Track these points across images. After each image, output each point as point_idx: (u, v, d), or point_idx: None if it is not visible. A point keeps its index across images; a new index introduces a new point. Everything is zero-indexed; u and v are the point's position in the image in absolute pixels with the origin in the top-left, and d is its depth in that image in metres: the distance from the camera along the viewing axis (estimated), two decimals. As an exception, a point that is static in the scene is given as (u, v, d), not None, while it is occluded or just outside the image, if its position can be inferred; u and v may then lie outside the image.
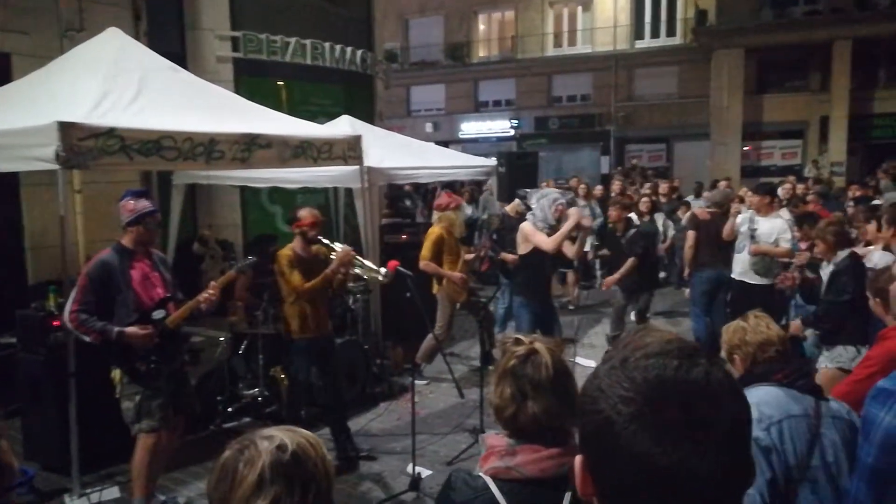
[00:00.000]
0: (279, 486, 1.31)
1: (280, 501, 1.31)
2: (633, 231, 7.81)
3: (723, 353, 2.53)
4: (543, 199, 5.84)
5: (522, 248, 5.84)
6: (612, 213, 8.19)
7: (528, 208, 7.92)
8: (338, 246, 5.08)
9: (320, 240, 5.07)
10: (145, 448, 4.05)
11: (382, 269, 5.30)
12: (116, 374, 4.08)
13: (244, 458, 1.34)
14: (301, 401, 5.49)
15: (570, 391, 1.76)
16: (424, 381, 6.77)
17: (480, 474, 1.71)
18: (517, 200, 8.10)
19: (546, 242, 5.60)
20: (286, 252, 4.97)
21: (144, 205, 4.15)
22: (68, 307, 4.03)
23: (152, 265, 4.22)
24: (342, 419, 5.24)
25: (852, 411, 2.26)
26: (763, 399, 2.21)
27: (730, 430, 0.81)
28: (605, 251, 8.54)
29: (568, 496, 1.64)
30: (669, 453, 0.78)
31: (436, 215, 7.02)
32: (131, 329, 3.98)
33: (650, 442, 0.79)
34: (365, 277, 5.63)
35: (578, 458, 0.90)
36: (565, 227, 5.56)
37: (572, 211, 5.65)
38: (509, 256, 7.99)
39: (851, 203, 6.98)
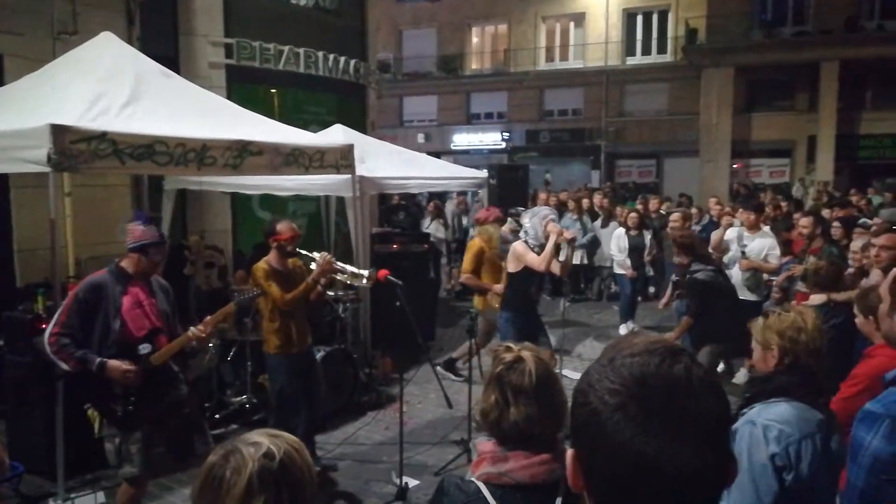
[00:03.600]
0: (267, 495, 1.31)
1: None
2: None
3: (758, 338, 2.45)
4: (535, 217, 5.83)
5: (512, 267, 5.82)
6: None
7: (520, 226, 7.98)
8: (316, 255, 5.01)
9: (298, 252, 5.00)
10: (128, 493, 3.82)
11: (366, 271, 5.25)
12: (94, 412, 3.78)
13: (231, 466, 1.33)
14: (288, 416, 5.36)
15: (553, 400, 1.78)
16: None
17: (473, 479, 1.73)
18: (510, 220, 8.18)
19: (538, 262, 5.59)
20: (261, 266, 4.83)
21: (152, 234, 3.86)
22: (49, 328, 3.70)
23: (149, 292, 3.90)
24: (313, 431, 5.18)
25: None
26: (783, 417, 2.25)
27: (708, 423, 0.86)
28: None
29: (559, 502, 1.66)
30: (651, 442, 0.83)
31: (475, 228, 7.12)
32: (113, 363, 3.62)
33: (633, 430, 0.84)
34: (352, 284, 5.60)
35: (570, 452, 0.94)
36: (549, 244, 5.55)
37: (551, 227, 5.62)
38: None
39: (838, 224, 7.03)
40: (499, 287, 6.68)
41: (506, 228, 8.19)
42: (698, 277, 5.73)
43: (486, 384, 1.85)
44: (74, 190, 6.17)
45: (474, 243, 7.01)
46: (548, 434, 1.75)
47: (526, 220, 5.98)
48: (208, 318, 4.06)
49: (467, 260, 6.90)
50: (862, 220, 7.29)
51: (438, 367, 6.71)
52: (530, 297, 5.95)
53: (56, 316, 3.74)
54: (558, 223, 6.03)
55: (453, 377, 6.94)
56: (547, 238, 5.60)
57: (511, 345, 1.89)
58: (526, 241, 5.75)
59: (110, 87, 4.96)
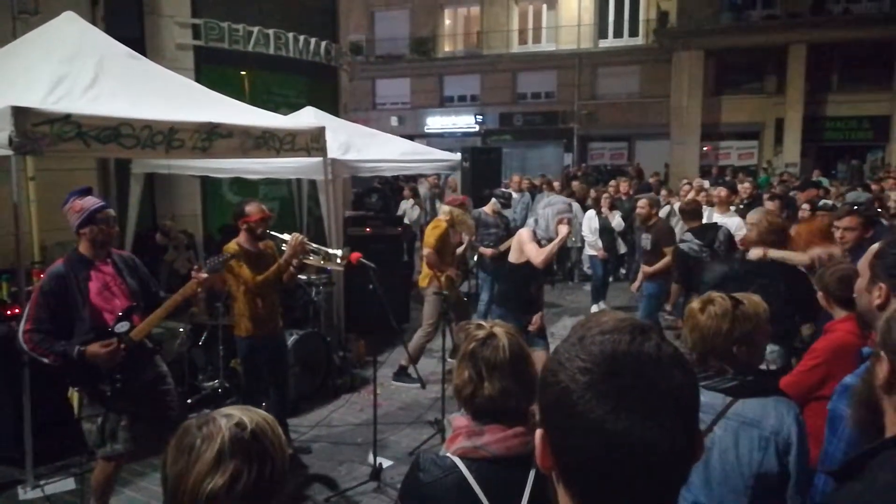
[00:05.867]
0: (238, 463, 1.32)
1: (239, 477, 1.32)
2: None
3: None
4: (549, 207, 5.28)
5: (514, 257, 5.33)
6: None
7: (505, 205, 8.02)
8: (286, 236, 4.97)
9: (269, 234, 4.96)
10: (105, 473, 3.81)
11: (339, 251, 5.22)
12: (74, 394, 3.79)
13: (202, 434, 1.35)
14: (259, 397, 5.35)
15: (526, 374, 1.80)
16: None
17: (448, 454, 1.75)
18: (494, 200, 8.21)
19: (536, 256, 5.16)
20: (232, 247, 4.77)
21: (92, 201, 3.77)
22: (22, 326, 3.66)
23: (115, 272, 3.84)
24: (285, 415, 5.19)
25: (787, 423, 2.21)
26: None
27: (678, 400, 0.86)
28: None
29: (532, 473, 1.69)
30: (623, 419, 0.83)
31: (445, 208, 6.91)
32: (92, 348, 3.60)
33: (605, 409, 0.84)
34: (327, 268, 5.55)
35: (539, 432, 0.94)
36: (554, 243, 5.20)
37: (562, 228, 5.17)
38: (487, 251, 8.06)
39: (806, 206, 7.18)
40: (453, 270, 6.69)
41: (489, 209, 8.23)
42: (681, 247, 5.86)
43: (458, 361, 1.87)
44: (38, 174, 6.04)
45: (440, 223, 6.74)
46: (522, 407, 1.78)
47: (540, 208, 5.47)
48: (196, 276, 4.03)
49: (432, 236, 6.58)
50: (822, 202, 7.45)
51: (392, 382, 6.69)
52: (530, 295, 5.43)
53: (25, 312, 3.70)
54: (574, 217, 5.49)
55: (409, 384, 6.57)
56: (557, 234, 5.23)
57: (482, 322, 1.91)
58: (534, 231, 5.29)
59: (74, 69, 4.86)
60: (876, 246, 2.10)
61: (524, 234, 5.33)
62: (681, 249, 5.88)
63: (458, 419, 1.83)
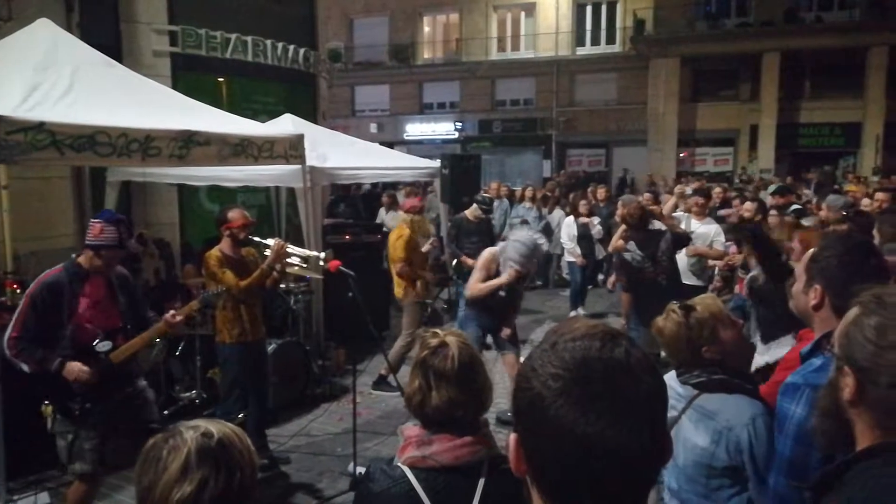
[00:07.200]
0: (205, 471, 1.33)
1: (206, 485, 1.32)
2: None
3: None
4: (515, 245, 5.31)
5: None
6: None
7: (487, 211, 8.07)
8: (269, 241, 4.97)
9: (251, 240, 4.96)
10: (81, 491, 3.77)
11: (322, 253, 5.20)
12: (48, 408, 3.74)
13: (169, 446, 1.36)
14: (237, 408, 5.28)
15: (475, 384, 1.80)
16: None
17: (398, 464, 1.75)
18: (475, 206, 8.25)
19: (473, 285, 5.41)
20: (214, 253, 4.78)
21: (109, 237, 3.69)
22: (8, 332, 3.63)
23: (109, 288, 3.83)
24: (264, 424, 5.16)
25: (742, 421, 2.27)
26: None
27: (647, 404, 0.88)
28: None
29: (481, 482, 1.70)
30: (593, 423, 0.85)
31: (404, 216, 6.93)
32: (71, 365, 3.59)
33: (576, 413, 0.86)
34: (306, 276, 5.51)
35: (513, 437, 0.95)
36: (493, 283, 5.33)
37: (505, 275, 5.30)
38: (468, 261, 8.07)
39: (774, 212, 7.23)
40: (430, 275, 6.73)
41: (470, 215, 8.27)
42: (623, 256, 5.97)
43: (411, 369, 1.87)
44: (11, 182, 5.98)
45: (404, 232, 6.65)
46: (471, 416, 1.79)
47: (511, 236, 5.44)
48: (175, 311, 4.00)
49: (400, 248, 6.52)
50: (793, 207, 7.53)
51: (371, 391, 6.62)
52: (496, 304, 5.54)
53: (13, 319, 3.66)
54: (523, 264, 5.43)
55: (389, 392, 6.54)
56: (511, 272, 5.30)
57: (437, 330, 1.91)
58: (498, 252, 5.43)
59: (48, 76, 4.79)
60: (812, 250, 2.16)
61: (488, 257, 5.45)
62: (621, 256, 5.95)
63: (410, 428, 1.83)
